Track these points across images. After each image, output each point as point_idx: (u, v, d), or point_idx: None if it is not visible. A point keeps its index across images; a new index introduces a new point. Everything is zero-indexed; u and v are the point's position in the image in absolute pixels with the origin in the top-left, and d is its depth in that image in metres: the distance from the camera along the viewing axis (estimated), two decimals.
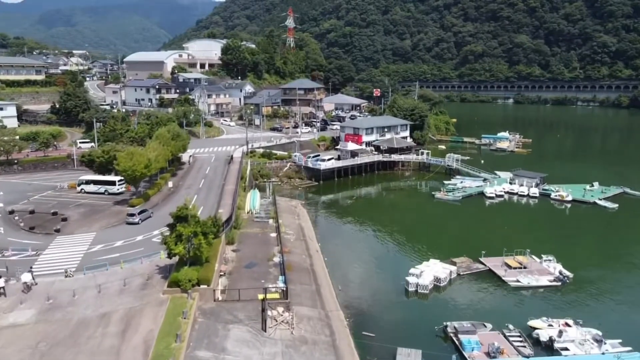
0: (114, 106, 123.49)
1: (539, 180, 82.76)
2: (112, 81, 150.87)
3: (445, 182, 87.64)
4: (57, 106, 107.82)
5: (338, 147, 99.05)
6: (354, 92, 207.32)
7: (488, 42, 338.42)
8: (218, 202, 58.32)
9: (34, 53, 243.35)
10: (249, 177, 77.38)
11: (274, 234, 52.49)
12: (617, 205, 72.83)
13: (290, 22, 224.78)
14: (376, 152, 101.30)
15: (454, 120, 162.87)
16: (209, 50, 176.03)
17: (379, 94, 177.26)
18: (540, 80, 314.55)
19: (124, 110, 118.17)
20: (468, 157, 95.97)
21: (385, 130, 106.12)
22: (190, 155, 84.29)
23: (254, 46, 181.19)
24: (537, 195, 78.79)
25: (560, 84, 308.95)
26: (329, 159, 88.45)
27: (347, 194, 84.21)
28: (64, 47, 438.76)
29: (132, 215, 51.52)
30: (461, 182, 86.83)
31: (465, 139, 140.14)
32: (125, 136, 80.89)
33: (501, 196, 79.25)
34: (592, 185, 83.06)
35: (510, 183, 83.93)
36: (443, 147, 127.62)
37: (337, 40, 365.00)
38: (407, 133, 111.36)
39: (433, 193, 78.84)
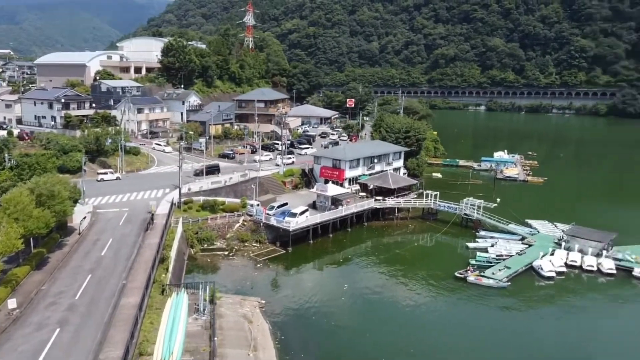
0: (5, 126, 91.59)
1: (607, 244, 57.33)
2: (16, 89, 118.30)
3: (470, 245, 61.08)
4: None
5: (313, 189, 70.90)
6: (321, 101, 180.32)
7: (460, 45, 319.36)
8: (96, 350, 29.46)
9: None
10: (176, 254, 48.45)
11: None
12: None
13: (249, 19, 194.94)
14: (363, 194, 74.14)
15: (435, 133, 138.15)
16: (147, 50, 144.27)
17: (352, 105, 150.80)
18: (514, 86, 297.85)
19: (17, 131, 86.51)
20: (491, 204, 69.55)
21: (375, 161, 78.95)
22: (88, 213, 54.56)
23: (204, 46, 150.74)
24: (614, 270, 53.18)
25: (535, 90, 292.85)
26: (301, 213, 60.32)
27: (329, 270, 56.47)
28: (6, 46, 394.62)
29: None
30: (492, 244, 60.53)
31: (461, 162, 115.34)
32: None
33: (561, 273, 53.20)
34: None
35: (565, 247, 58.27)
36: (438, 175, 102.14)
37: (300, 42, 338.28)
38: (401, 163, 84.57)
39: (458, 274, 51.83)
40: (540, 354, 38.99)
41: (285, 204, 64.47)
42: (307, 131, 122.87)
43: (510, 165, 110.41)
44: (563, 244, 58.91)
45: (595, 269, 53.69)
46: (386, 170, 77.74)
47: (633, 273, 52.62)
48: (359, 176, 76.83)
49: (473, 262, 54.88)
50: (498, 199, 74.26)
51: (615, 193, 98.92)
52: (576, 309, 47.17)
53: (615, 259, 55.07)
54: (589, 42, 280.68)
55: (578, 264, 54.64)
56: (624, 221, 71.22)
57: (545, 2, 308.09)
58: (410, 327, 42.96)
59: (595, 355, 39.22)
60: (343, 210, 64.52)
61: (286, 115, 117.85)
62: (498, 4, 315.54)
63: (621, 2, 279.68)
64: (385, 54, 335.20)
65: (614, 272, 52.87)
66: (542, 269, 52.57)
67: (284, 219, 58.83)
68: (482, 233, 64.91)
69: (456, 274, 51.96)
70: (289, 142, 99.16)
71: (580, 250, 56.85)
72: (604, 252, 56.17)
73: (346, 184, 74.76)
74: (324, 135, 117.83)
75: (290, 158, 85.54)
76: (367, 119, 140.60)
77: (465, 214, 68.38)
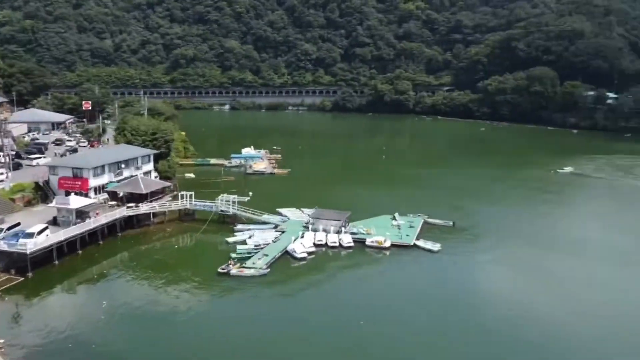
0: None
1: (344, 221, 66.08)
2: None
3: (229, 239, 62.91)
4: None
5: (52, 203, 62.64)
6: (50, 105, 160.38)
7: (198, 45, 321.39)
8: None
9: None
10: None
11: None
12: (439, 245, 61.45)
13: None
14: (113, 202, 69.09)
15: (183, 134, 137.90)
16: None
17: (89, 107, 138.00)
18: (253, 85, 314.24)
19: None
20: (245, 198, 72.99)
21: (122, 166, 74.12)
22: None
23: None
24: (352, 243, 61.70)
25: (272, 89, 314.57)
26: (40, 232, 52.81)
27: (83, 289, 51.03)
28: None
29: None
30: (249, 236, 63.56)
31: (212, 161, 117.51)
32: None
33: (312, 253, 59.25)
34: (394, 218, 71.15)
35: (312, 229, 64.92)
36: (191, 175, 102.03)
37: (15, 37, 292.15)
38: (151, 166, 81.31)
39: (221, 269, 53.01)
40: (300, 325, 43.03)
41: (18, 224, 55.63)
42: (37, 139, 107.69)
43: (258, 160, 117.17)
44: (310, 226, 65.64)
45: (337, 244, 61.46)
46: (136, 175, 73.77)
47: (366, 243, 62.01)
48: (106, 184, 71.23)
49: (234, 255, 56.86)
50: (250, 193, 78.42)
51: (346, 176, 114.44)
52: (325, 280, 53.55)
53: (352, 234, 64.08)
54: (311, 47, 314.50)
55: (324, 242, 61.66)
56: (354, 200, 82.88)
57: (271, 9, 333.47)
58: (179, 332, 42.13)
59: (345, 311, 45.43)
60: (92, 223, 58.92)
61: (6, 122, 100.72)
62: (230, 8, 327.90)
63: (332, 12, 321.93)
64: (121, 53, 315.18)
65: (352, 244, 61.48)
66: (295, 251, 57.80)
67: (17, 241, 50.67)
68: (240, 226, 67.58)
69: (219, 269, 53.00)
70: (13, 152, 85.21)
71: (324, 230, 64.17)
72: (343, 228, 64.74)
73: (92, 193, 68.41)
74: (59, 142, 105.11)
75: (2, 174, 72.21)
76: (109, 122, 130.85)
77: (222, 211, 70.06)
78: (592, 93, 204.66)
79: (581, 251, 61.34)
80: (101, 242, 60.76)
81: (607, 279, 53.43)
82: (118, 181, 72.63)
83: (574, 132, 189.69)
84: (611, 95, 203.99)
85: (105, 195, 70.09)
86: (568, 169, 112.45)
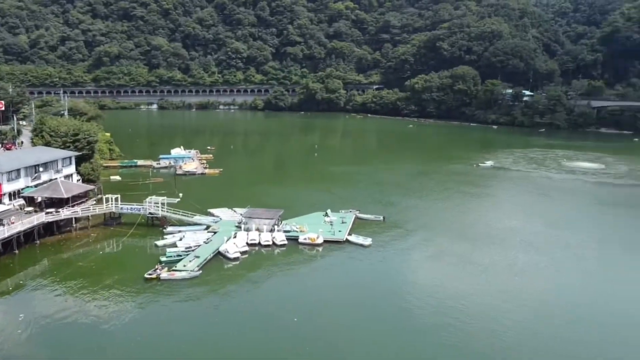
0: None
1: (277, 220, 65.93)
2: None
3: (159, 243, 60.99)
4: None
5: None
6: None
7: (123, 43, 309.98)
8: None
9: None
10: None
11: None
12: (370, 239, 62.75)
13: None
14: (30, 208, 64.97)
15: (108, 134, 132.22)
16: None
17: (2, 107, 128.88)
18: (182, 84, 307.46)
19: None
20: (174, 199, 71.21)
21: (40, 169, 69.84)
22: None
23: None
24: (285, 241, 61.66)
25: (202, 88, 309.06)
26: None
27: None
28: None
29: None
30: (180, 238, 61.96)
31: (140, 162, 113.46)
32: None
33: (245, 252, 58.64)
34: (327, 215, 71.88)
35: (244, 228, 64.31)
36: (117, 177, 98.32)
37: None
38: (72, 169, 77.25)
39: (148, 275, 51.23)
40: (234, 326, 42.37)
41: None
42: None
43: (188, 160, 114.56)
44: (242, 226, 64.96)
45: (270, 243, 61.14)
46: (56, 179, 69.81)
47: (299, 240, 62.19)
48: (23, 189, 66.89)
49: (164, 259, 55.18)
50: (180, 194, 76.84)
51: (278, 175, 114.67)
52: (259, 279, 52.84)
53: (285, 232, 64.06)
54: (241, 45, 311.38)
55: (257, 241, 61.18)
56: (287, 198, 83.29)
57: (200, 6, 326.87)
58: (105, 342, 40.17)
59: (280, 309, 45.04)
60: (5, 231, 55.08)
61: None
62: (156, 4, 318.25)
63: (263, 10, 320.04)
64: (38, 50, 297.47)
65: (285, 242, 61.39)
66: (228, 252, 56.93)
67: None
68: (170, 229, 65.72)
69: (146, 275, 51.15)
70: None
71: (257, 229, 63.76)
72: (276, 227, 64.63)
73: (6, 199, 64.05)
74: None
75: None
76: (24, 123, 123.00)
77: (151, 213, 67.80)
78: (510, 91, 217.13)
79: (502, 240, 64.87)
80: (17, 251, 56.93)
81: (526, 265, 56.83)
82: (36, 185, 68.46)
83: (494, 128, 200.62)
84: (527, 93, 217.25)
85: (22, 201, 65.83)
86: (489, 163, 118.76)
